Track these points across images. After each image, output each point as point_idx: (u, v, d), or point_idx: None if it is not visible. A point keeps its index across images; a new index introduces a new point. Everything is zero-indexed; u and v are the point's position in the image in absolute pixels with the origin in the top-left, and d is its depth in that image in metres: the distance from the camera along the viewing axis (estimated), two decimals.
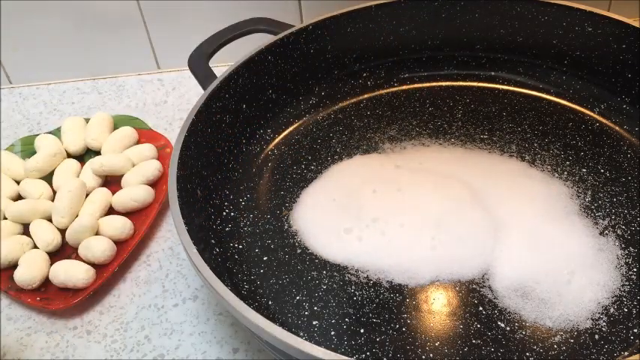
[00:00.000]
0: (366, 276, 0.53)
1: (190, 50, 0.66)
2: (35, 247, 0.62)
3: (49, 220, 0.63)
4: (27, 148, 0.73)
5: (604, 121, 0.64)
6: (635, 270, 0.52)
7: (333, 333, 0.50)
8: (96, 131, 0.71)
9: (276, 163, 0.65)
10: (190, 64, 0.65)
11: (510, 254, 0.53)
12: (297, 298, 0.53)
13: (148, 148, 0.69)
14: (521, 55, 0.69)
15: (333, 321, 0.51)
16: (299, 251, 0.56)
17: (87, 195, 0.65)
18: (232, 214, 0.60)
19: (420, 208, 0.57)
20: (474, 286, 0.52)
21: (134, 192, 0.64)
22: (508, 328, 0.49)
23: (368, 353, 0.49)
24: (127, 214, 0.64)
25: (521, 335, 0.49)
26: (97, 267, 0.59)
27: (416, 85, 0.71)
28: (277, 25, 0.67)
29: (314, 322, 0.51)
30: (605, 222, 0.55)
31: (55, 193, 0.66)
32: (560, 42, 0.67)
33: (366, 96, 0.70)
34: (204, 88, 0.61)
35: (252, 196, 0.62)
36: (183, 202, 0.52)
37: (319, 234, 0.57)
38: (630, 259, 0.52)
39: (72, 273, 0.58)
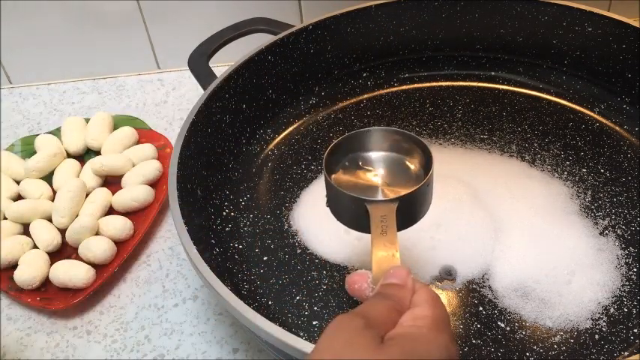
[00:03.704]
0: None
1: (190, 50, 0.66)
2: (35, 247, 0.62)
3: (49, 220, 0.63)
4: (27, 148, 0.73)
5: (604, 121, 0.64)
6: (635, 270, 0.52)
7: None
8: (96, 131, 0.71)
9: (276, 163, 0.65)
10: (190, 64, 0.65)
11: (510, 254, 0.53)
12: (297, 298, 0.53)
13: (148, 148, 0.69)
14: (521, 55, 0.69)
15: None
16: (299, 251, 0.56)
17: (87, 195, 0.65)
18: (232, 214, 0.60)
19: None
20: (474, 286, 0.52)
21: (134, 192, 0.64)
22: (508, 328, 0.49)
23: None
24: (127, 214, 0.64)
25: (521, 335, 0.49)
26: (97, 267, 0.59)
27: (416, 85, 0.71)
28: (277, 25, 0.67)
29: (314, 322, 0.51)
30: (605, 222, 0.55)
31: (55, 193, 0.66)
32: (560, 42, 0.67)
33: (366, 96, 0.70)
34: (204, 88, 0.61)
35: (252, 196, 0.62)
36: (183, 202, 0.52)
37: (319, 234, 0.57)
38: (630, 259, 0.52)
39: (72, 273, 0.58)
